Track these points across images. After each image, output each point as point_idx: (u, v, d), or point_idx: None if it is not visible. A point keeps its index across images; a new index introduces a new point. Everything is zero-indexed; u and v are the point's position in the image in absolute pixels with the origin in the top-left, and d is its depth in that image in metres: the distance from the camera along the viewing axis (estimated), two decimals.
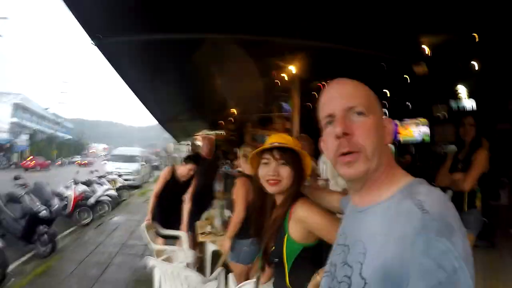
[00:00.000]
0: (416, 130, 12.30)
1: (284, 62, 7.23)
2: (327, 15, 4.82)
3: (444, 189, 3.33)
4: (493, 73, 8.56)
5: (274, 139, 1.70)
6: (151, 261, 2.82)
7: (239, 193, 3.09)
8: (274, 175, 1.61)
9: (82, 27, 3.22)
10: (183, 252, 4.01)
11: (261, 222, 1.75)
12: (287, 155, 1.64)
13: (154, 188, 4.54)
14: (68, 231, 7.56)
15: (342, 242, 0.98)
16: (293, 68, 7.26)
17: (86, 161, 50.65)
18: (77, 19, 3.11)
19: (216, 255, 4.20)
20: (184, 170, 4.41)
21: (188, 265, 3.90)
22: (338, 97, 0.96)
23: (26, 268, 5.09)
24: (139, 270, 4.89)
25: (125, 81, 4.88)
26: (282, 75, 8.05)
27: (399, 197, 0.83)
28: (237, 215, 3.04)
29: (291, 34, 5.04)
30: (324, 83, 10.69)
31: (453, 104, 11.20)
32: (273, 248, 1.61)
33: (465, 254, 0.69)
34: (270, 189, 1.64)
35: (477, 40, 6.57)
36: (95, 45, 3.46)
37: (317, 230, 1.55)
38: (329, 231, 1.48)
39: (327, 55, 6.89)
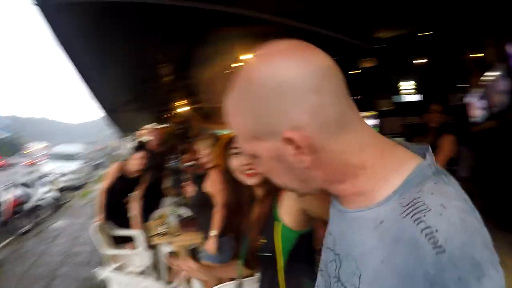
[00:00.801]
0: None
1: (238, 51, 6.97)
2: None
3: None
4: (437, 69, 9.00)
5: None
6: (104, 272, 2.51)
7: (218, 186, 2.76)
8: (250, 163, 1.39)
9: None
10: (139, 256, 3.71)
11: (239, 219, 1.53)
12: None
13: (102, 184, 4.17)
14: (4, 242, 6.80)
15: (331, 245, 0.77)
16: (246, 56, 7.01)
17: (33, 161, 47.70)
18: None
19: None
20: (135, 162, 4.09)
21: (146, 269, 3.63)
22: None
23: None
24: (87, 281, 4.49)
25: (71, 58, 4.35)
26: (237, 64, 7.81)
27: (395, 208, 0.57)
28: (221, 211, 2.77)
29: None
30: None
31: (399, 98, 11.64)
32: (263, 239, 1.38)
33: None
34: (249, 181, 1.42)
35: (424, 36, 6.82)
36: (37, 4, 3.00)
37: (320, 208, 1.24)
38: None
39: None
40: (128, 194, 4.35)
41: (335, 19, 5.21)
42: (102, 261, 4.74)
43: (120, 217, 4.16)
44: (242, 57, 7.00)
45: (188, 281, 2.76)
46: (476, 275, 0.48)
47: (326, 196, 1.40)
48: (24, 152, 72.12)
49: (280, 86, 0.58)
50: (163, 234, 3.64)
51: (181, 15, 4.40)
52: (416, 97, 11.03)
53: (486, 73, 6.07)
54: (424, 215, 0.52)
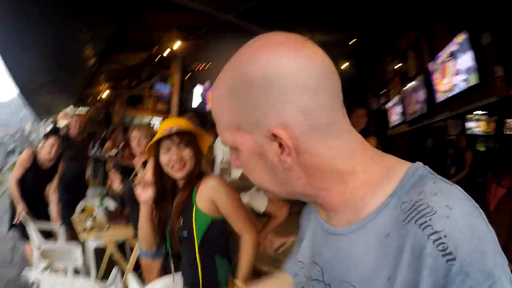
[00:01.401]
0: None
1: (168, 37, 6.71)
2: None
3: None
4: (358, 75, 9.56)
5: (168, 123, 1.70)
6: (33, 275, 2.26)
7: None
8: (178, 160, 1.63)
9: None
10: (69, 252, 3.39)
11: (166, 208, 1.73)
12: (186, 137, 1.66)
13: (13, 174, 3.77)
14: None
15: (318, 276, 0.66)
16: (177, 45, 6.76)
17: None
18: None
19: (99, 252, 3.74)
20: (46, 151, 3.77)
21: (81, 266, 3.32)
22: None
23: None
24: (13, 282, 3.99)
25: None
26: (165, 51, 7.49)
27: (398, 211, 0.53)
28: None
29: None
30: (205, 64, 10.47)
31: None
32: (182, 221, 1.64)
33: None
34: (177, 175, 1.65)
35: (351, 43, 7.18)
36: None
37: (223, 203, 1.62)
38: (234, 209, 1.63)
39: (216, 36, 6.66)
40: (45, 185, 4.05)
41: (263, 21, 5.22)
42: (24, 260, 4.30)
43: (40, 212, 3.85)
44: (174, 46, 6.79)
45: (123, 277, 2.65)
46: (487, 284, 0.45)
47: (233, 194, 1.66)
48: None
49: (279, 79, 0.54)
50: (91, 228, 3.42)
51: None
52: None
53: (405, 83, 6.56)
54: (430, 219, 0.48)
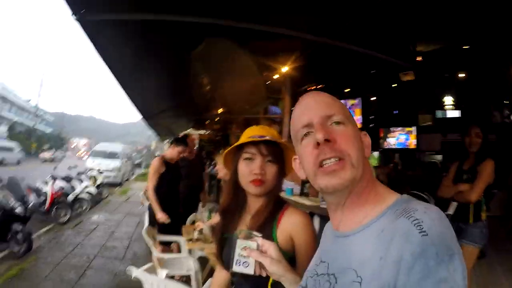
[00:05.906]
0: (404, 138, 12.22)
1: (276, 63, 7.05)
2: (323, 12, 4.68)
3: (448, 201, 3.28)
4: (478, 84, 8.65)
5: (256, 131, 1.49)
6: (134, 272, 2.62)
7: None
8: (261, 173, 1.39)
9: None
10: (188, 260, 3.75)
11: (231, 225, 1.49)
12: (274, 150, 1.42)
13: (149, 184, 4.26)
14: (44, 229, 7.21)
15: (323, 271, 0.90)
16: (285, 69, 7.09)
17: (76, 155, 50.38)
18: None
19: (202, 261, 4.01)
20: (173, 153, 4.34)
21: (195, 275, 3.59)
22: (315, 106, 0.91)
23: None
24: (120, 275, 4.64)
25: (109, 68, 4.63)
26: (274, 76, 7.89)
27: (391, 216, 0.77)
28: None
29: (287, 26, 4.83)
30: (316, 86, 10.60)
31: (438, 113, 11.22)
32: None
33: (463, 279, 0.67)
34: (254, 190, 1.41)
35: (464, 50, 6.61)
36: (77, 20, 3.24)
37: (302, 245, 1.36)
38: (309, 254, 1.29)
39: (320, 59, 6.78)
40: (179, 182, 4.63)
41: (374, 32, 5.15)
42: (135, 258, 4.99)
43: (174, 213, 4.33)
44: (282, 70, 7.10)
45: None
46: (449, 255, 0.66)
47: (314, 235, 1.43)
48: (71, 147, 76.00)
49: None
50: (196, 240, 3.68)
51: (219, 29, 4.54)
52: (457, 113, 10.57)
53: None
54: (414, 213, 0.72)
